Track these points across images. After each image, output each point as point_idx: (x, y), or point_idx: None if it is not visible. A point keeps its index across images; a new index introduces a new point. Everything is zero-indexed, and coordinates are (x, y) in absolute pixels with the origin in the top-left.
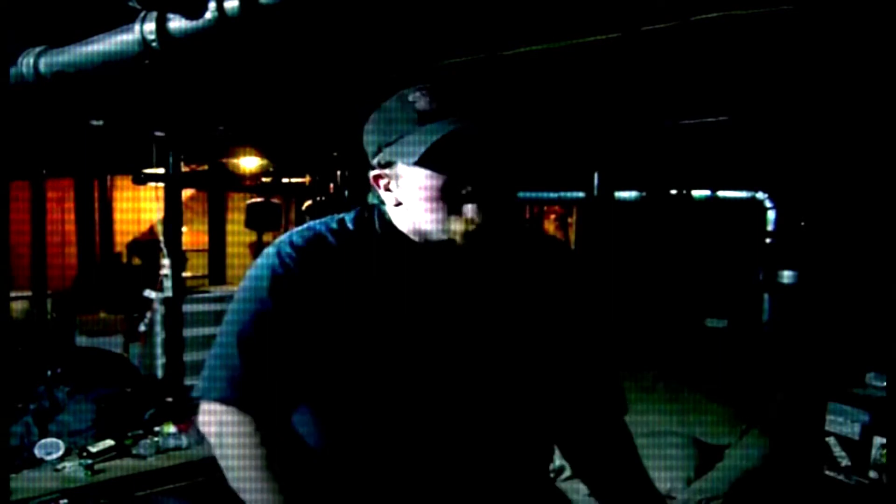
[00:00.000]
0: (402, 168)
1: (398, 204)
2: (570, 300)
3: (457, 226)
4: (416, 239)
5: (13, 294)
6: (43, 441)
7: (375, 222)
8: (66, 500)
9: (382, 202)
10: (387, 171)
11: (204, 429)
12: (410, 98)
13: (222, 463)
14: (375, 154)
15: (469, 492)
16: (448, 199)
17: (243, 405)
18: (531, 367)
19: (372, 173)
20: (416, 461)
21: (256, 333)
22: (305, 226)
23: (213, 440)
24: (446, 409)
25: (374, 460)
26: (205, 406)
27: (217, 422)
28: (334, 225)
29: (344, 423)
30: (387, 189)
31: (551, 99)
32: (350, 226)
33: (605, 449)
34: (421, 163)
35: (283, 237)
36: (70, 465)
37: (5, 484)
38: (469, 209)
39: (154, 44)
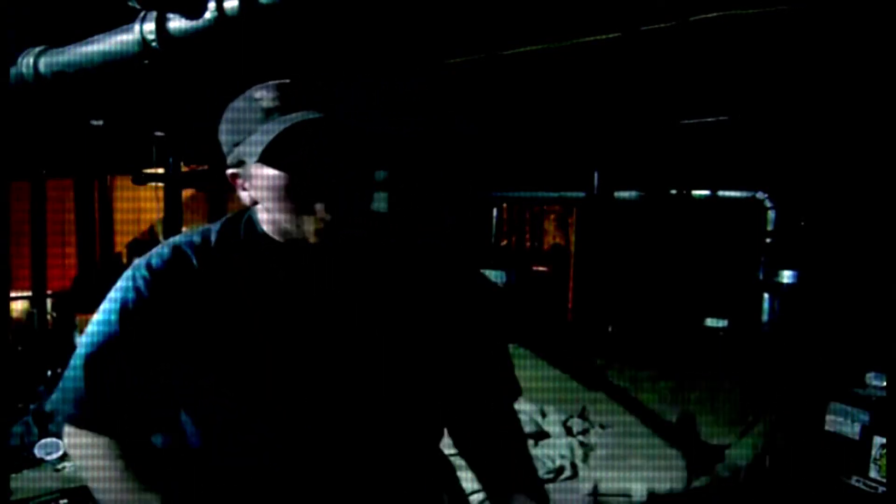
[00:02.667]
0: (252, 167)
1: (254, 203)
2: (447, 293)
3: (308, 224)
4: (279, 238)
5: (13, 294)
6: (43, 441)
7: (241, 227)
8: (66, 500)
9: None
10: (239, 170)
11: (70, 452)
12: (257, 96)
13: (90, 485)
14: (228, 154)
15: (353, 480)
16: (296, 198)
17: (93, 426)
18: (404, 359)
19: (228, 173)
20: (296, 457)
21: (102, 359)
22: (169, 242)
23: (77, 463)
24: (322, 403)
25: (256, 463)
26: (65, 429)
27: (75, 444)
28: (197, 238)
29: (224, 431)
30: (242, 189)
31: (551, 99)
32: (213, 236)
33: (491, 436)
34: (263, 160)
35: (143, 258)
36: (70, 465)
37: (5, 484)
38: (318, 207)
39: (154, 44)
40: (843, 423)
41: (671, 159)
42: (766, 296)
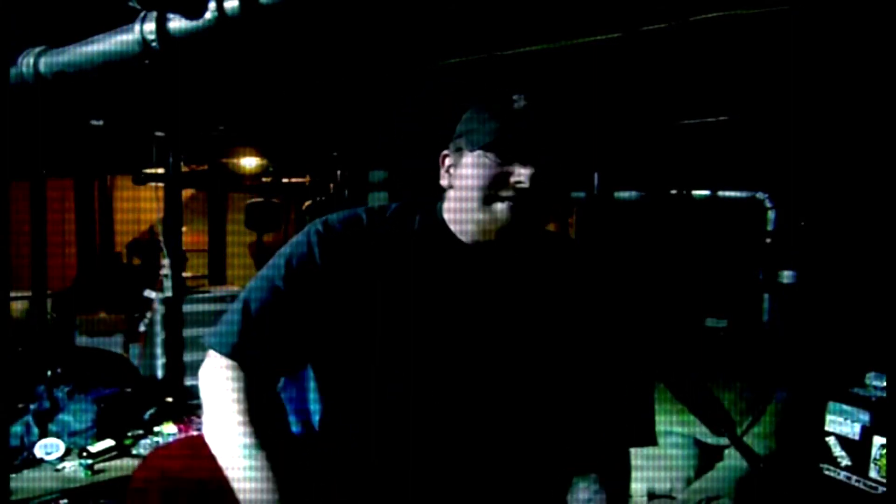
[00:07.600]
0: (465, 155)
1: (448, 188)
2: (594, 303)
3: (487, 221)
4: (462, 237)
5: (13, 294)
6: (43, 441)
7: (416, 216)
8: (66, 500)
9: (440, 194)
10: (454, 155)
11: (201, 372)
12: (514, 97)
13: (206, 415)
14: (454, 138)
15: (469, 491)
16: (486, 191)
17: (240, 363)
18: (548, 373)
19: (442, 153)
20: (416, 454)
21: (264, 309)
22: (349, 209)
23: (201, 382)
24: (455, 406)
25: (373, 449)
26: (211, 354)
27: (212, 369)
28: (375, 213)
29: (349, 407)
30: (446, 171)
31: (551, 99)
32: (389, 216)
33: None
34: (483, 147)
35: (325, 216)
36: (70, 465)
37: (5, 484)
38: (500, 209)
39: (154, 44)
40: (843, 423)
41: (671, 159)
42: (766, 296)
